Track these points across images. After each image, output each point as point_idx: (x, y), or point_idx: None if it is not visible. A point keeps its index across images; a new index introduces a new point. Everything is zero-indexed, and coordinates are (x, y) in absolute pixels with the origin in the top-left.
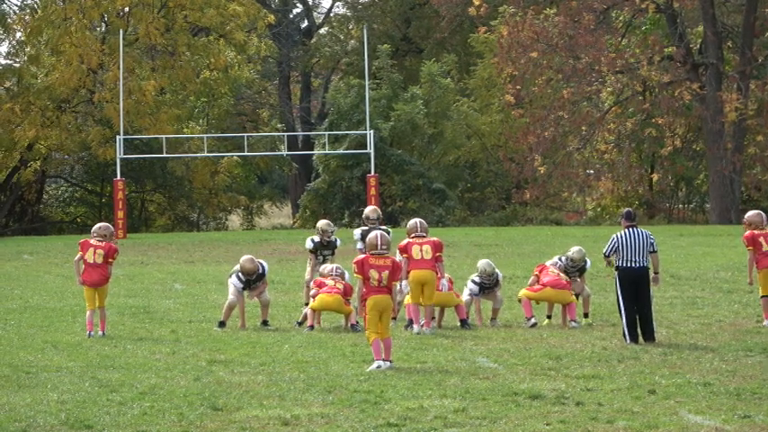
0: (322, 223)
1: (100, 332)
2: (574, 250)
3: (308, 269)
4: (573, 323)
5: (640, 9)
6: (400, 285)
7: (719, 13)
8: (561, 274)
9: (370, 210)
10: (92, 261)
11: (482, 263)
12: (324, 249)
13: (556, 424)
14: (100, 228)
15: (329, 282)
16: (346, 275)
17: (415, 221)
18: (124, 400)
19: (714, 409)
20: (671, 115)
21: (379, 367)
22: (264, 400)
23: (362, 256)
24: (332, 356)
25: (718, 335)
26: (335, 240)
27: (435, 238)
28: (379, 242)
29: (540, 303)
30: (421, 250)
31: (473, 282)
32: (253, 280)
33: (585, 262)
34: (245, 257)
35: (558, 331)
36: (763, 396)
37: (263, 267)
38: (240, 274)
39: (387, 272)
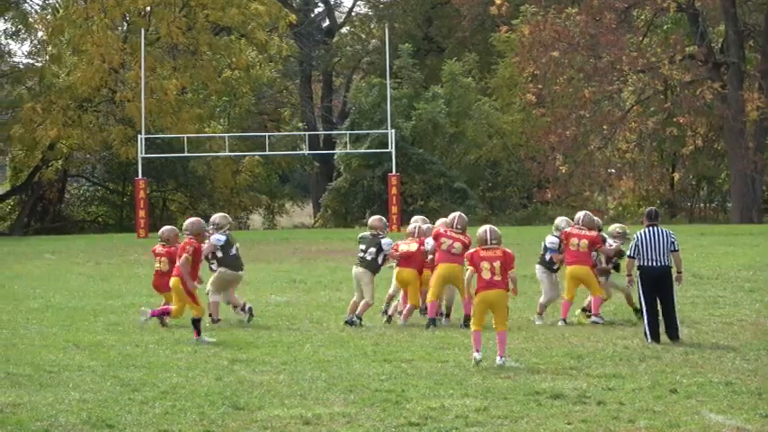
0: (216, 216)
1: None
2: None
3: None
4: (595, 318)
5: (662, 8)
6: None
7: (741, 11)
8: (582, 241)
9: (375, 219)
10: (158, 268)
11: (559, 219)
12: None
13: (577, 423)
14: (162, 232)
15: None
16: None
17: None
18: (146, 399)
19: (736, 408)
20: (692, 114)
21: (477, 361)
22: (286, 400)
23: (473, 249)
24: (353, 355)
25: (740, 334)
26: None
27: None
28: (488, 236)
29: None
30: (452, 245)
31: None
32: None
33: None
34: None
35: (579, 330)
36: None
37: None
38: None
39: (498, 262)
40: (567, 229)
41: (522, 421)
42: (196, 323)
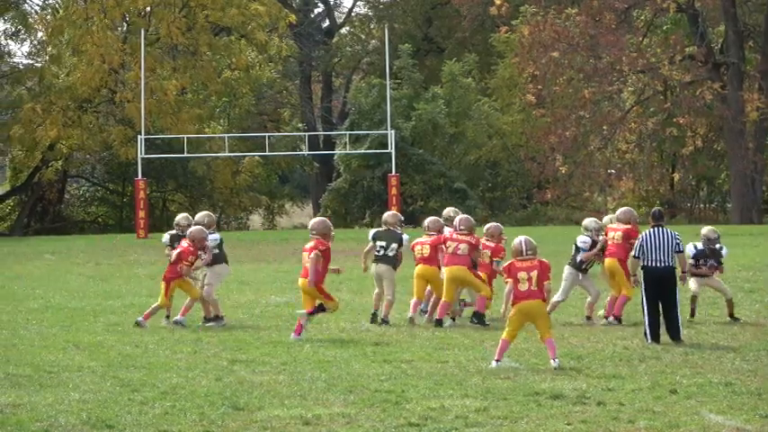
0: (179, 217)
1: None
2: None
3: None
4: (609, 319)
5: (662, 8)
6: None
7: (741, 12)
8: (617, 233)
9: (389, 215)
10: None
11: (587, 220)
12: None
13: (577, 424)
14: (191, 232)
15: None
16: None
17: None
18: (145, 399)
19: (735, 408)
20: (692, 115)
21: (494, 369)
22: (286, 400)
23: (508, 261)
24: (353, 356)
25: (740, 334)
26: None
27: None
28: (524, 248)
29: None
30: (458, 247)
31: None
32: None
33: (722, 246)
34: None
35: (579, 331)
36: None
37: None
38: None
39: (535, 272)
40: (609, 225)
41: (521, 422)
42: (319, 309)
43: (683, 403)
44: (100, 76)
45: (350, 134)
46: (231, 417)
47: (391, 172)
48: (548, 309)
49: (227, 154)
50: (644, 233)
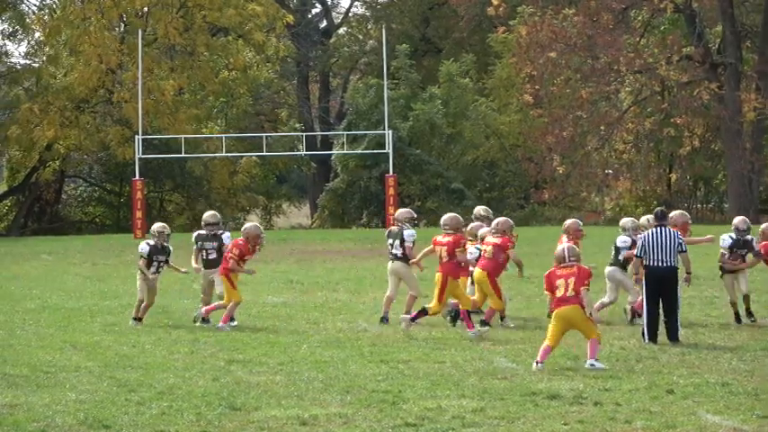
0: (157, 226)
1: None
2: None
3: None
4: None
5: (659, 9)
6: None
7: (738, 12)
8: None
9: (401, 212)
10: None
11: (624, 220)
12: (159, 254)
13: (574, 424)
14: (247, 229)
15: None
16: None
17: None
18: (142, 399)
19: (732, 408)
20: (689, 115)
21: (537, 369)
22: (283, 400)
23: (549, 270)
24: (350, 356)
25: (737, 335)
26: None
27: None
28: (567, 254)
29: None
30: (485, 250)
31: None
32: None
33: (753, 238)
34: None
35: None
36: None
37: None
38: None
39: (573, 278)
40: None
41: (518, 422)
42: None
43: (679, 403)
44: (97, 77)
45: (347, 134)
46: (228, 417)
47: (389, 172)
48: (595, 308)
49: (224, 154)
50: (647, 233)
